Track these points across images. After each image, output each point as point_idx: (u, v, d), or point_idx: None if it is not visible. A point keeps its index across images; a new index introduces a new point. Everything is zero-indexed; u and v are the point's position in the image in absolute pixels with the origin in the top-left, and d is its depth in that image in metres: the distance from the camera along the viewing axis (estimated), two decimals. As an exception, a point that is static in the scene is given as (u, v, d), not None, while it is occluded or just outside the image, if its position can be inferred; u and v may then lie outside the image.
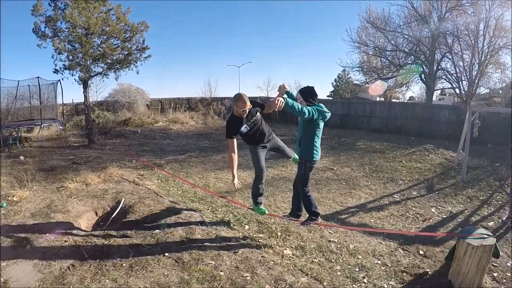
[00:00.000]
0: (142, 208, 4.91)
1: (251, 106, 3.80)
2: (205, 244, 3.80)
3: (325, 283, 3.24)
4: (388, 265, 3.75)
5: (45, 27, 9.88)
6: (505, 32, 14.31)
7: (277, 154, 4.57)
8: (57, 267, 3.32)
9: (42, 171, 7.12)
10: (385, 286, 3.34)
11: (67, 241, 3.84)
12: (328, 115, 3.93)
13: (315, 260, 3.69)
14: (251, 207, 4.50)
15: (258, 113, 3.97)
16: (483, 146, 11.03)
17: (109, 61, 10.61)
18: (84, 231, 4.33)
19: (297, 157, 4.38)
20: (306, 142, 3.92)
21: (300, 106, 3.56)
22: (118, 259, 3.46)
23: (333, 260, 3.74)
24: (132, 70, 11.19)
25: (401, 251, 4.15)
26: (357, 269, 3.60)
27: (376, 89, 17.75)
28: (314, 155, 3.92)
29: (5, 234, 4.00)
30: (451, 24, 15.24)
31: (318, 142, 3.95)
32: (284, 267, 3.41)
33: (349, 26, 35.53)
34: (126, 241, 3.86)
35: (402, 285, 3.39)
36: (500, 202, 6.40)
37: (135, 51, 10.92)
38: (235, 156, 3.86)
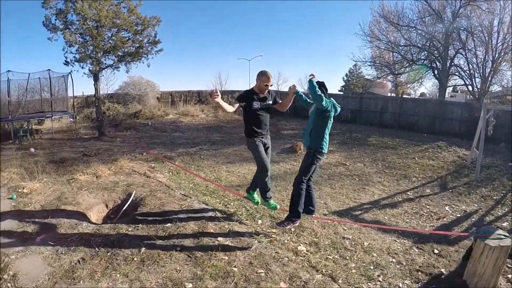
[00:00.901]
0: (153, 201, 4.87)
1: (272, 85, 3.97)
2: (218, 238, 3.73)
3: (340, 281, 3.16)
4: (403, 264, 3.68)
5: (55, 20, 9.92)
6: (520, 29, 13.98)
7: None
8: (67, 261, 3.27)
9: (53, 163, 7.15)
10: (400, 285, 3.27)
11: (77, 234, 3.80)
12: (339, 109, 3.99)
13: (329, 257, 3.62)
14: (263, 203, 4.47)
15: (270, 101, 4.08)
16: (496, 145, 10.78)
17: (120, 53, 10.62)
18: (95, 223, 4.30)
19: (256, 198, 4.49)
20: (317, 133, 3.91)
21: (318, 90, 3.70)
22: (129, 253, 3.41)
23: (347, 257, 3.67)
24: (143, 63, 11.20)
25: (416, 250, 4.08)
26: (372, 267, 3.53)
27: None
28: (323, 146, 3.91)
29: (15, 226, 3.99)
30: (465, 20, 14.98)
31: (327, 134, 3.96)
32: (299, 263, 3.34)
33: (362, 20, 35.12)
34: (137, 234, 3.81)
35: (417, 284, 3.32)
36: (513, 201, 6.26)
37: (146, 44, 10.89)
38: (229, 108, 3.82)
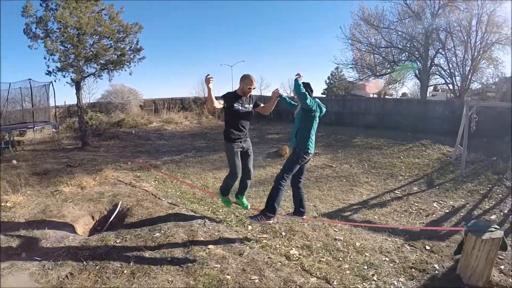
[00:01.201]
0: (140, 211, 4.75)
1: (255, 88, 4.01)
2: (209, 246, 3.64)
3: (335, 283, 3.14)
4: (396, 262, 3.68)
5: (36, 28, 9.65)
6: (497, 28, 14.45)
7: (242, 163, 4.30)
8: (54, 276, 3.12)
9: (36, 175, 6.91)
10: (395, 283, 3.27)
11: (64, 248, 3.65)
12: (324, 109, 4.02)
13: (322, 259, 3.59)
14: (218, 195, 4.55)
15: (252, 104, 4.09)
16: (478, 140, 11.04)
17: (102, 61, 10.40)
18: (81, 236, 4.16)
19: (245, 202, 4.49)
20: (303, 134, 3.91)
21: (303, 89, 3.74)
22: (118, 265, 3.28)
23: (340, 259, 3.65)
24: (125, 71, 10.99)
25: (408, 247, 4.09)
26: (365, 267, 3.52)
27: (374, 86, 17.73)
28: (309, 147, 3.91)
29: (-2, 242, 3.82)
30: (444, 20, 15.34)
31: (313, 135, 3.96)
32: (292, 268, 3.30)
33: (343, 24, 35.61)
34: (126, 246, 3.69)
35: (412, 281, 3.33)
36: (500, 195, 6.42)
37: (129, 52, 10.71)
38: (216, 103, 3.75)
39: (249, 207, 4.56)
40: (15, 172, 7.02)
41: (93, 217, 5.01)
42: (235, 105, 3.90)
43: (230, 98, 3.94)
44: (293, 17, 72.43)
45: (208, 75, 3.55)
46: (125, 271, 3.19)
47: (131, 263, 3.31)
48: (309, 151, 3.94)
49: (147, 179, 6.82)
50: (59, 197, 5.39)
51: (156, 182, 6.69)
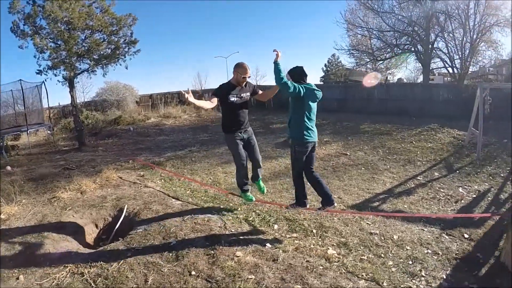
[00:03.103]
0: (149, 216, 4.22)
1: (250, 77, 3.86)
2: (237, 254, 3.11)
3: (385, 284, 2.73)
4: (439, 254, 3.38)
5: (24, 25, 9.18)
6: (496, 10, 14.31)
7: (248, 154, 4.23)
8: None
9: (31, 181, 6.36)
10: (444, 277, 2.96)
11: (67, 267, 3.07)
12: (319, 94, 3.87)
13: (363, 257, 3.18)
14: (239, 195, 4.50)
15: (249, 93, 3.93)
16: (485, 123, 10.78)
17: (95, 56, 9.95)
18: (85, 250, 3.63)
19: (262, 186, 4.47)
20: (295, 122, 3.85)
21: (283, 75, 3.58)
22: (134, 286, 2.75)
23: (382, 255, 3.26)
24: (120, 65, 10.53)
25: (446, 237, 3.83)
26: (410, 262, 3.16)
27: (370, 79, 17.41)
28: (305, 136, 3.80)
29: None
30: (443, 3, 15.02)
31: (310, 123, 3.84)
32: (335, 271, 2.86)
33: (338, 8, 35.04)
34: (139, 259, 3.13)
35: (460, 273, 3.04)
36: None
37: (123, 45, 10.22)
38: (207, 105, 3.78)
39: (265, 191, 4.60)
40: (9, 179, 6.49)
41: (96, 225, 4.50)
42: (230, 97, 3.77)
43: (224, 90, 3.79)
44: (288, 3, 71.16)
45: (183, 93, 3.53)
46: (143, 294, 2.70)
47: (148, 282, 2.77)
48: (308, 140, 3.80)
49: (152, 178, 6.33)
50: (57, 205, 4.85)
51: (163, 180, 6.20)
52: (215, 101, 3.77)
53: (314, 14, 67.82)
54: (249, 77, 3.85)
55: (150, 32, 58.45)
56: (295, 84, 3.67)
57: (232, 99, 3.77)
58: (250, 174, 4.30)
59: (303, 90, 3.68)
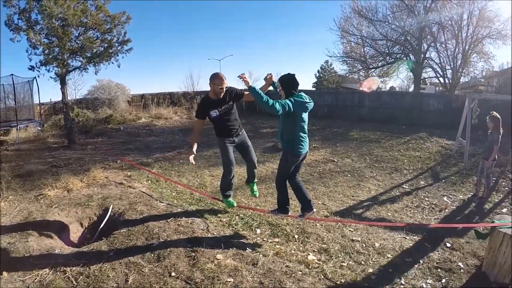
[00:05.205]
0: (134, 216, 4.24)
1: (228, 86, 3.78)
2: (217, 256, 3.15)
3: (362, 292, 2.78)
4: (420, 262, 3.44)
5: (18, 19, 9.03)
6: (489, 22, 14.50)
7: (243, 156, 4.32)
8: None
9: (19, 177, 6.30)
10: (424, 285, 3.03)
11: (50, 264, 3.09)
12: (311, 105, 3.70)
13: (343, 264, 3.23)
14: (221, 199, 4.55)
15: (231, 102, 3.89)
16: (473, 133, 10.95)
17: (88, 54, 9.83)
18: (69, 248, 3.62)
19: (255, 189, 4.60)
20: (288, 136, 3.74)
21: (266, 98, 3.27)
22: (114, 285, 2.78)
23: (362, 262, 3.32)
24: (113, 63, 10.43)
25: (428, 245, 3.86)
26: (390, 270, 3.23)
27: (370, 84, 17.51)
28: (300, 149, 3.74)
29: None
30: (436, 14, 15.22)
31: (303, 134, 3.75)
32: (314, 276, 2.90)
33: (336, 16, 35.28)
34: (121, 259, 3.16)
35: (439, 282, 3.09)
36: (507, 188, 6.27)
37: (116, 44, 10.14)
38: (199, 136, 3.97)
39: (257, 195, 4.72)
40: (-4, 175, 6.42)
41: (81, 224, 4.50)
42: (211, 113, 3.78)
43: (203, 108, 3.80)
44: (284, 9, 71.60)
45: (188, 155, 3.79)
46: (123, 293, 2.71)
47: (129, 281, 2.79)
48: (301, 152, 3.75)
49: (139, 178, 6.32)
50: (43, 202, 4.84)
51: (149, 181, 6.20)
52: (200, 122, 3.87)
53: (310, 19, 68.52)
54: (227, 87, 3.75)
55: (143, 33, 58.40)
56: (283, 102, 3.39)
57: (214, 114, 3.77)
58: (245, 176, 4.48)
59: (293, 106, 3.42)
